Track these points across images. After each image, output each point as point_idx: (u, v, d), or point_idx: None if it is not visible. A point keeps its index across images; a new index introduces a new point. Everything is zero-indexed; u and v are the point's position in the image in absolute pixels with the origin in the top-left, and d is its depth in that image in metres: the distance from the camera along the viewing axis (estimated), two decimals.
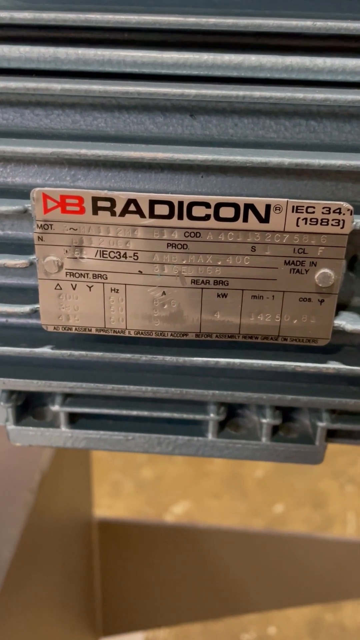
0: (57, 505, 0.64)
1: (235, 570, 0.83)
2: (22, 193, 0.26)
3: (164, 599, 0.84)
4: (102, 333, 0.28)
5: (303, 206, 0.25)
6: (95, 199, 0.25)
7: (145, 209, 0.25)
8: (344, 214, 0.25)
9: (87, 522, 0.78)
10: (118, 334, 0.28)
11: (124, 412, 0.32)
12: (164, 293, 0.27)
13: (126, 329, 0.28)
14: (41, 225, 0.26)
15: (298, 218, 0.25)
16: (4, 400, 0.32)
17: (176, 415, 0.32)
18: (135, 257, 0.26)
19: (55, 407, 0.32)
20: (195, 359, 0.29)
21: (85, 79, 0.25)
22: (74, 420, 0.33)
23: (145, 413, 0.32)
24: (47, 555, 0.60)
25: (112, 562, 0.81)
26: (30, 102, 0.26)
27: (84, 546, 0.76)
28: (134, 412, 0.32)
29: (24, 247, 0.28)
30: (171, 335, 0.28)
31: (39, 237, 0.26)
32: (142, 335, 0.28)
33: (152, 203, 0.25)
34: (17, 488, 0.55)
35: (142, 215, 0.25)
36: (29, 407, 0.34)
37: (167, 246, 0.26)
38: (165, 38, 0.25)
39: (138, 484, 1.39)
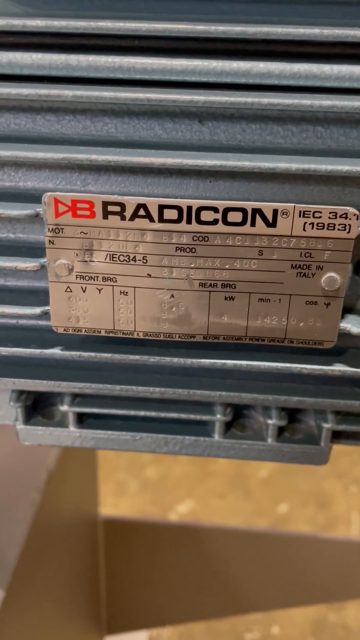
0: (63, 504, 0.65)
1: (239, 570, 0.83)
2: (33, 197, 0.27)
3: (168, 597, 0.85)
4: (111, 335, 0.28)
5: (310, 211, 0.25)
6: (105, 204, 0.26)
7: (155, 214, 0.26)
8: (350, 219, 0.25)
9: (92, 520, 0.78)
10: (127, 336, 0.28)
11: (132, 412, 0.33)
12: (172, 296, 0.27)
13: (135, 330, 0.28)
14: (52, 229, 0.26)
15: (305, 223, 0.25)
16: (14, 400, 0.32)
17: (183, 415, 0.32)
18: (145, 261, 0.27)
19: (64, 407, 0.33)
20: (202, 360, 0.29)
21: (96, 85, 0.25)
22: (82, 420, 0.34)
23: (152, 413, 0.33)
24: (52, 553, 0.60)
25: (117, 560, 0.81)
26: (42, 108, 0.26)
27: (89, 545, 0.77)
28: (142, 413, 0.33)
29: (35, 250, 0.28)
30: (179, 337, 0.28)
31: (50, 241, 0.26)
32: (150, 337, 0.28)
33: (161, 208, 0.26)
34: (24, 487, 0.55)
35: (152, 220, 0.26)
36: (38, 407, 0.34)
37: (176, 250, 0.26)
38: (174, 45, 0.25)
39: (143, 483, 1.39)
